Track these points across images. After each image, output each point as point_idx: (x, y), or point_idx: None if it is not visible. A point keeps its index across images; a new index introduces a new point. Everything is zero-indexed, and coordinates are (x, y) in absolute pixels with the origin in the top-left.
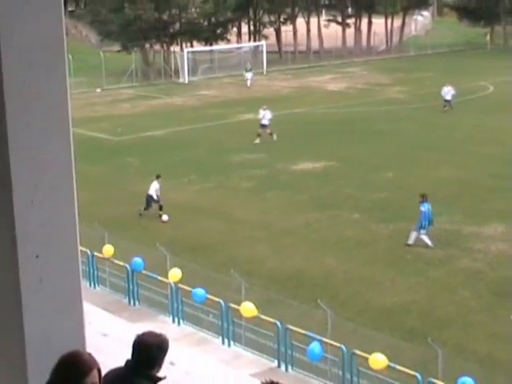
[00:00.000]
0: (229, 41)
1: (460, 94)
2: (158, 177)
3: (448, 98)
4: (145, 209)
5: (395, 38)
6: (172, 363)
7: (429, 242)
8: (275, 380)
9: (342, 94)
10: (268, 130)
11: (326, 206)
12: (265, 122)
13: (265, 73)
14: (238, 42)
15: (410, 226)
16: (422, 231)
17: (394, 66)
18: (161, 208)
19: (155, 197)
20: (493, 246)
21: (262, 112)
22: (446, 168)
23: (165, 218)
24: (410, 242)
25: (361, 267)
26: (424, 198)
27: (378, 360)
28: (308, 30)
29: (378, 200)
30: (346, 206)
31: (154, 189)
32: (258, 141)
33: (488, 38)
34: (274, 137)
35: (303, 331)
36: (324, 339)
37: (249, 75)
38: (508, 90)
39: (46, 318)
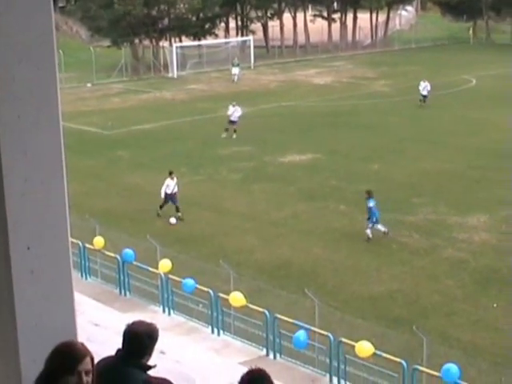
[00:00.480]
0: (217, 36)
1: (443, 87)
2: (170, 173)
3: (424, 93)
4: (176, 210)
5: (380, 33)
6: (162, 352)
7: (383, 228)
8: (263, 368)
9: (328, 88)
10: (234, 127)
11: (313, 198)
12: (234, 118)
13: (252, 67)
14: (225, 37)
15: (396, 217)
16: (376, 225)
17: (378, 60)
18: (176, 209)
19: (162, 194)
20: (476, 236)
21: (231, 108)
22: (431, 160)
23: (173, 220)
24: (370, 235)
25: (347, 257)
26: (370, 195)
27: (365, 348)
28: (294, 25)
29: (364, 191)
30: (333, 198)
31: (165, 186)
32: (224, 135)
33: (471, 32)
34: (234, 135)
35: (291, 320)
36: (311, 328)
37: (236, 70)
38: (490, 83)
39: (38, 309)
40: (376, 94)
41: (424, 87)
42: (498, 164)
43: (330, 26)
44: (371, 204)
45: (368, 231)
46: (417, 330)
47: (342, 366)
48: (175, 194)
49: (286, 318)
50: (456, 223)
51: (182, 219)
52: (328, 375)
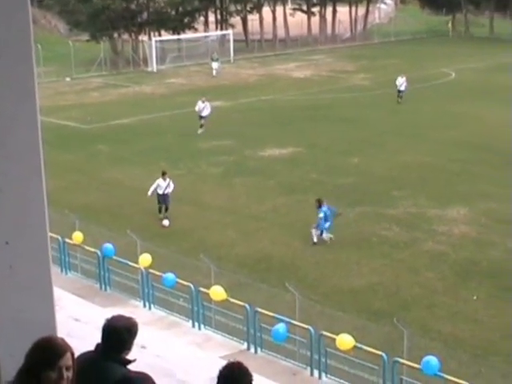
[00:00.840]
0: (196, 30)
1: (423, 80)
2: (163, 174)
3: (402, 88)
4: (165, 210)
5: (359, 26)
6: (143, 346)
7: (327, 237)
8: (241, 361)
9: (308, 82)
10: (203, 122)
11: (293, 191)
12: (204, 114)
13: (232, 61)
14: (205, 31)
15: (377, 210)
16: (325, 233)
17: (358, 53)
18: (166, 209)
19: (150, 193)
20: (456, 229)
21: (200, 104)
22: (411, 153)
23: (165, 222)
24: (315, 239)
25: (328, 251)
26: (320, 203)
27: (345, 341)
28: (274, 19)
29: (344, 185)
30: (313, 191)
31: (154, 185)
32: (200, 131)
33: (450, 25)
34: (200, 131)
35: (272, 314)
36: (292, 321)
37: (216, 65)
38: (470, 77)
39: (17, 304)
40: (355, 88)
41: (402, 83)
42: (478, 157)
43: (309, 19)
44: (321, 214)
45: (321, 235)
46: (397, 322)
47: (323, 359)
48: (167, 194)
49: (266, 312)
50: (436, 216)
51: (163, 218)
52: (309, 368)
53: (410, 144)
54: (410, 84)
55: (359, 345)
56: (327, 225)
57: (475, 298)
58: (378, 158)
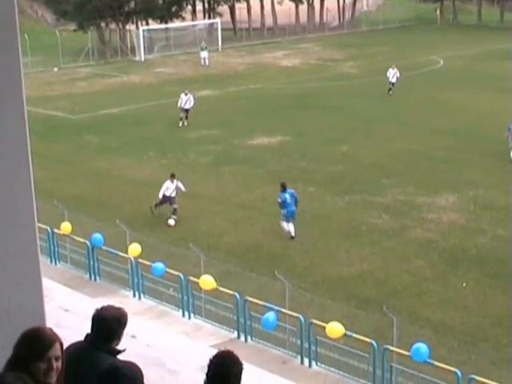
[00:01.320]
0: (184, 19)
1: (411, 68)
2: (171, 176)
3: (393, 80)
4: (173, 211)
5: (347, 14)
6: (133, 336)
7: (288, 230)
8: (231, 350)
9: (296, 70)
10: (183, 115)
11: (280, 180)
12: (187, 106)
13: (220, 50)
14: (192, 19)
15: (365, 198)
16: (287, 221)
17: (346, 41)
18: (174, 210)
19: (160, 195)
20: (445, 216)
21: (183, 97)
22: (399, 141)
23: (171, 222)
24: (286, 231)
25: (317, 239)
26: (284, 187)
27: (335, 329)
28: (262, 7)
29: (333, 173)
30: (302, 180)
31: (164, 188)
32: (180, 124)
33: (438, 13)
34: (185, 123)
35: (261, 302)
36: (282, 310)
37: (205, 54)
38: (458, 64)
39: (6, 295)
40: (344, 76)
41: (393, 74)
42: (466, 144)
43: (297, 7)
44: (279, 200)
45: (285, 225)
46: (387, 310)
47: (313, 348)
48: (174, 197)
49: (256, 301)
50: (425, 203)
51: (153, 212)
52: (299, 356)
53: (398, 132)
54: (400, 73)
55: (349, 333)
56: (285, 211)
57: (464, 285)
58: (366, 146)
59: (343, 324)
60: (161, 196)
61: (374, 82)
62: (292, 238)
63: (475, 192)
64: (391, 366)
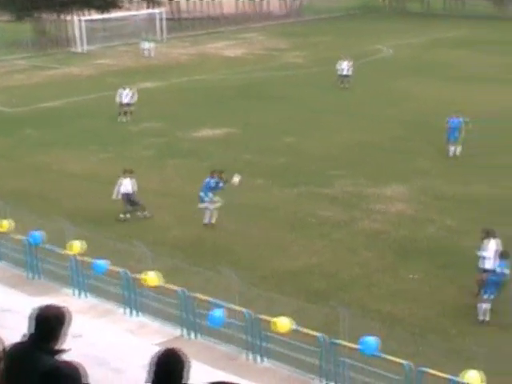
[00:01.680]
0: (121, 8)
1: (359, 57)
2: (126, 171)
3: (348, 73)
4: (124, 213)
5: (292, 3)
6: (77, 335)
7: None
8: (177, 347)
9: (241, 60)
10: (127, 109)
11: (228, 173)
12: (126, 101)
13: (163, 40)
14: (133, 9)
15: (314, 190)
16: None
17: (291, 30)
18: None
19: (115, 195)
20: (394, 207)
21: (122, 92)
22: (347, 131)
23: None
24: (207, 220)
25: (265, 232)
26: (212, 174)
27: (282, 324)
28: None
29: (280, 165)
30: (249, 172)
31: (117, 186)
32: (124, 119)
33: (384, 0)
34: (127, 118)
35: (207, 298)
36: (228, 305)
37: (147, 45)
38: (406, 52)
39: None
40: (290, 66)
41: (347, 67)
42: (416, 134)
43: None
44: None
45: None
46: (336, 303)
47: (262, 343)
48: (133, 193)
49: (202, 297)
50: (374, 194)
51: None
52: (247, 352)
53: (346, 122)
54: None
55: (296, 327)
56: (202, 194)
57: (412, 276)
58: (313, 137)
59: (293, 318)
60: (115, 196)
61: (320, 71)
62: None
63: (424, 182)
64: (340, 360)
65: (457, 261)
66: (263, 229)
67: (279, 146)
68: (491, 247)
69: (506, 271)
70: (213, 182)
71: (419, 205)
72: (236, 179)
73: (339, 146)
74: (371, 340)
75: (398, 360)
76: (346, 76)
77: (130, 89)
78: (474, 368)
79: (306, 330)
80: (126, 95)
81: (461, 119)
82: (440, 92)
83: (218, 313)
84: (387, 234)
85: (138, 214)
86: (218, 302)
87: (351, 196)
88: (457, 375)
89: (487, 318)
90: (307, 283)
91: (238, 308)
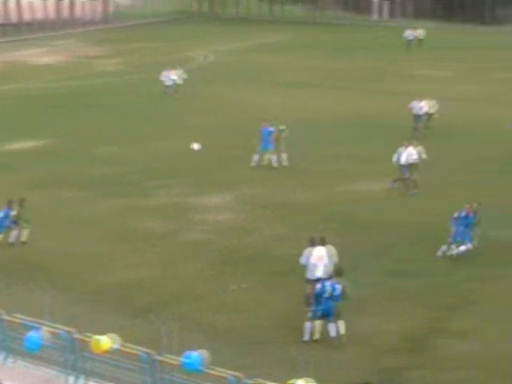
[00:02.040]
0: None
1: (178, 63)
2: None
3: (170, 83)
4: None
5: (109, 9)
6: None
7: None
8: None
9: (55, 68)
10: None
11: (46, 185)
12: None
13: None
14: None
15: (133, 202)
16: None
17: (109, 36)
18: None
19: None
20: (220, 216)
21: None
22: (169, 140)
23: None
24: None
25: (87, 246)
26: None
27: (102, 342)
28: (19, 2)
29: (101, 176)
30: (68, 184)
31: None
32: None
33: (200, 6)
34: None
35: (20, 319)
36: (47, 326)
37: None
38: (226, 58)
39: None
40: (107, 73)
41: (177, 77)
42: (237, 141)
43: (57, 3)
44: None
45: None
46: (165, 317)
47: (81, 364)
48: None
49: (14, 318)
50: (199, 204)
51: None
52: (65, 375)
53: (167, 131)
54: (162, 68)
55: (117, 345)
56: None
57: (239, 287)
58: (134, 147)
59: (118, 336)
60: None
61: (140, 78)
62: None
63: (251, 190)
64: (166, 378)
65: (286, 269)
66: (85, 243)
67: (101, 156)
68: (316, 255)
69: (337, 292)
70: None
71: (246, 214)
72: (195, 146)
73: (161, 155)
74: (193, 355)
75: (222, 373)
76: (169, 86)
77: None
78: (307, 376)
79: (128, 348)
80: None
81: (271, 129)
82: (259, 98)
83: (34, 335)
84: (214, 245)
85: None
86: (34, 323)
87: (176, 206)
88: None
89: (317, 336)
90: (132, 298)
91: (55, 328)
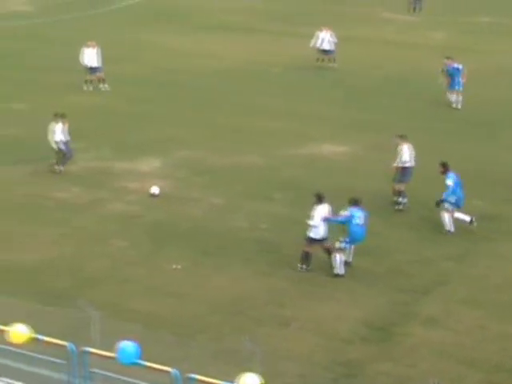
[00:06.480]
0: None
1: (101, 3)
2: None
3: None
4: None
5: None
6: None
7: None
8: None
9: None
10: None
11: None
12: None
13: None
14: None
15: (45, 168)
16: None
17: None
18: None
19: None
20: (149, 185)
21: None
22: (82, 94)
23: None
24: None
25: None
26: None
27: (19, 333)
28: None
29: (6, 137)
30: None
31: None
32: None
33: None
34: None
35: None
36: None
37: None
38: None
39: None
40: (15, 15)
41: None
42: (166, 96)
43: None
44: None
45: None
46: (84, 304)
47: None
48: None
49: None
50: (124, 170)
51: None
52: None
53: (78, 83)
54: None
55: (38, 336)
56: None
57: (175, 267)
58: (49, 103)
59: (31, 325)
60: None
61: (53, 22)
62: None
63: (183, 153)
64: (93, 372)
65: (227, 245)
66: None
67: (6, 113)
68: (319, 213)
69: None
70: None
71: (179, 181)
72: (154, 190)
73: (74, 111)
74: (130, 346)
75: (163, 368)
76: None
77: None
78: (251, 370)
79: (49, 339)
80: None
81: None
82: (192, 44)
83: None
84: (141, 218)
85: None
86: None
87: (95, 173)
88: (232, 381)
89: (342, 271)
90: (45, 281)
91: None
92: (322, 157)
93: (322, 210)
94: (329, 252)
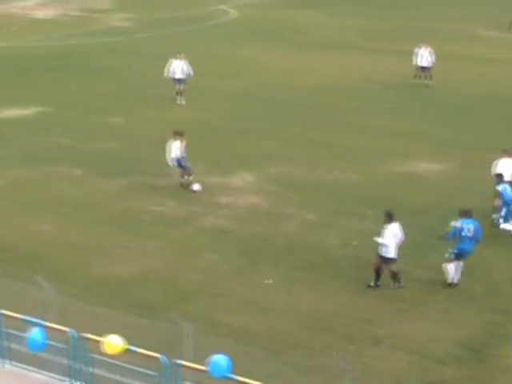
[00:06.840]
0: None
1: (198, 20)
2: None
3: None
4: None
5: None
6: None
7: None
8: None
9: (54, 23)
10: None
11: (38, 161)
12: None
13: None
14: None
15: (146, 181)
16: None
17: None
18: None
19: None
20: (242, 200)
21: None
22: (184, 109)
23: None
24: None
25: (86, 233)
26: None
27: (114, 344)
28: None
29: (104, 151)
30: (65, 160)
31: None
32: None
33: None
34: None
35: (20, 316)
36: (47, 323)
37: None
38: (251, 14)
39: None
40: (114, 30)
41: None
42: (262, 111)
43: None
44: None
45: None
46: (177, 317)
47: (88, 368)
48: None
49: (13, 314)
50: (218, 185)
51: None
52: (70, 380)
53: (174, 97)
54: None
55: (133, 347)
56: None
57: (268, 281)
58: (145, 117)
59: (125, 336)
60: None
61: (151, 37)
62: None
63: (277, 168)
64: None
65: (319, 261)
66: (84, 229)
67: (104, 127)
68: (390, 232)
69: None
70: None
71: (272, 197)
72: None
73: (175, 125)
74: (222, 359)
75: (253, 382)
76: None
77: None
78: None
79: (142, 351)
80: None
81: None
82: (289, 60)
83: (38, 335)
84: (235, 233)
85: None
86: (35, 320)
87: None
88: None
89: (455, 281)
90: (140, 294)
91: (59, 327)
92: (417, 175)
93: (392, 229)
94: (394, 276)
